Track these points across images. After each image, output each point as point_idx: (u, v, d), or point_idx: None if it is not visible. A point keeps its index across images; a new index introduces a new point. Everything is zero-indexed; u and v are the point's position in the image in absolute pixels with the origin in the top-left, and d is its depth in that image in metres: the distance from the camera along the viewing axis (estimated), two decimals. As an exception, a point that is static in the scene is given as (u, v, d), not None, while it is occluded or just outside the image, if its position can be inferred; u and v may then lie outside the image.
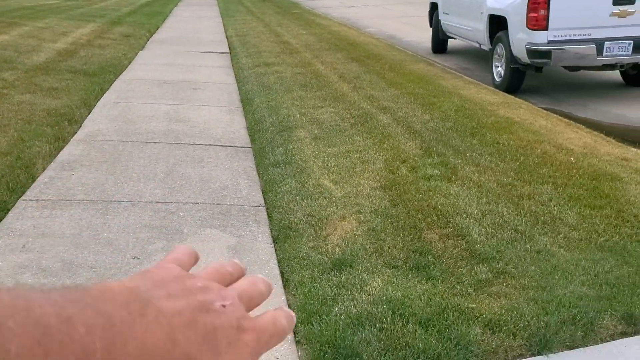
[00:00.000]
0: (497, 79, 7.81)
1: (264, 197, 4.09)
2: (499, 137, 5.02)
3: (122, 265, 3.05)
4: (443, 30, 10.37)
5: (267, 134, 5.43)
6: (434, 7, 10.89)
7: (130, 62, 9.04)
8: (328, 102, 6.38)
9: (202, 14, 18.42)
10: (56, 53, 9.02)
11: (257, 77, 7.96)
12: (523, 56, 7.04)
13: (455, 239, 3.19)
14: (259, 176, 4.51)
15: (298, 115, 5.88)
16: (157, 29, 13.85)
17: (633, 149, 4.96)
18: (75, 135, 5.23)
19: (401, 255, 3.03)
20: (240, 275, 0.48)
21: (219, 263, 0.48)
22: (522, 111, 6.05)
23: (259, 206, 3.97)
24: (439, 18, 10.41)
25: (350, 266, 2.92)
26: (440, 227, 3.32)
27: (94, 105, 6.23)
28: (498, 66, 7.83)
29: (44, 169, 4.35)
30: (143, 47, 10.86)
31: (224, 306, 0.41)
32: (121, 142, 5.17)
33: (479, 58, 10.14)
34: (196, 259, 0.49)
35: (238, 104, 6.83)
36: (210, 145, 5.26)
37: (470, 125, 5.38)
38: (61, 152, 4.75)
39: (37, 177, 4.17)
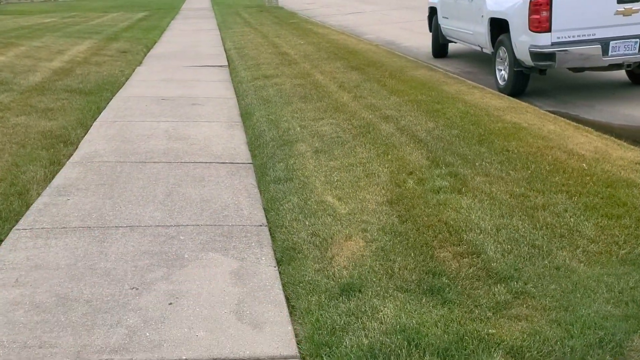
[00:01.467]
0: (500, 82, 7.65)
1: (266, 216, 3.94)
2: (507, 144, 4.86)
3: (120, 298, 2.90)
4: (443, 34, 10.24)
5: (267, 149, 5.29)
6: (432, 12, 10.75)
7: (127, 79, 8.93)
8: (328, 113, 6.24)
9: (199, 26, 18.35)
10: (52, 72, 8.91)
11: (256, 90, 7.83)
12: (526, 59, 6.89)
13: (469, 257, 3.03)
14: (260, 194, 4.36)
15: (298, 129, 5.74)
16: (155, 43, 13.77)
17: (647, 151, 4.79)
18: (71, 158, 5.09)
19: (413, 277, 2.87)
20: None
21: None
22: (529, 116, 5.89)
23: (261, 226, 3.82)
24: (439, 22, 10.28)
25: (360, 291, 2.76)
26: (453, 245, 3.16)
27: (91, 125, 6.11)
28: (501, 70, 7.68)
29: (38, 194, 4.21)
30: (140, 62, 10.75)
31: None
32: (119, 162, 5.03)
33: (481, 61, 9.99)
34: None
35: (238, 118, 6.70)
36: (210, 162, 5.12)
37: (477, 132, 5.23)
38: (56, 176, 4.61)
39: (32, 204, 4.03)
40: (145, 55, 11.72)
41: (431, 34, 10.90)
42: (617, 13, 6.42)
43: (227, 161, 5.20)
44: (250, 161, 5.19)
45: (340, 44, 12.18)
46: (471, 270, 2.91)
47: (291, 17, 20.69)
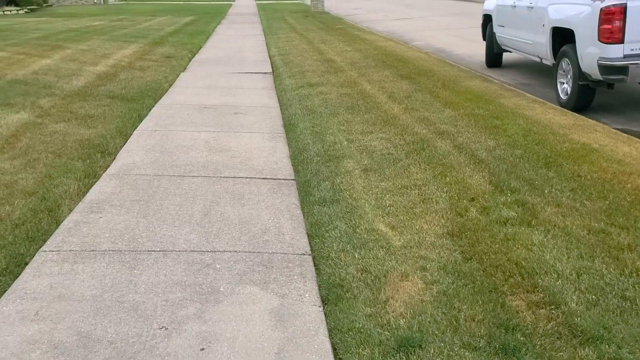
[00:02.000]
0: (562, 96, 7.12)
1: (309, 243, 3.58)
2: (578, 168, 4.38)
3: (147, 339, 2.58)
4: (498, 43, 9.71)
5: (311, 165, 4.94)
6: (487, 19, 10.24)
7: (170, 85, 8.74)
8: (378, 127, 5.85)
9: (245, 32, 18.22)
10: (96, 77, 8.80)
11: (300, 99, 7.51)
12: (594, 72, 6.36)
13: (547, 307, 2.60)
14: (303, 216, 4.01)
15: (345, 143, 5.37)
16: (200, 48, 13.64)
17: None
18: (107, 170, 4.86)
19: (482, 331, 2.46)
20: None
21: None
22: (599, 135, 5.37)
23: (304, 254, 3.46)
24: (494, 31, 9.77)
25: (420, 347, 2.37)
26: (527, 291, 2.73)
27: (130, 134, 5.88)
28: (563, 82, 7.14)
29: (70, 210, 3.97)
30: (185, 68, 10.59)
31: None
32: (157, 176, 4.77)
33: (539, 72, 9.44)
34: None
35: (281, 129, 6.38)
36: (251, 178, 4.80)
37: (542, 153, 4.76)
38: (90, 190, 4.36)
39: (62, 222, 3.78)
40: (189, 60, 11.57)
41: (485, 42, 10.39)
42: (701, 23, 5.83)
43: (268, 177, 4.87)
44: (293, 177, 4.85)
45: (388, 51, 11.77)
46: (550, 325, 2.48)
47: (337, 22, 20.37)
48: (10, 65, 9.54)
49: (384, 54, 11.18)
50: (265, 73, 10.18)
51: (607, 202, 3.71)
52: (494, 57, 10.12)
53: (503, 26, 9.37)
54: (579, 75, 6.63)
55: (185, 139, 5.84)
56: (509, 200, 3.82)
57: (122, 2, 40.00)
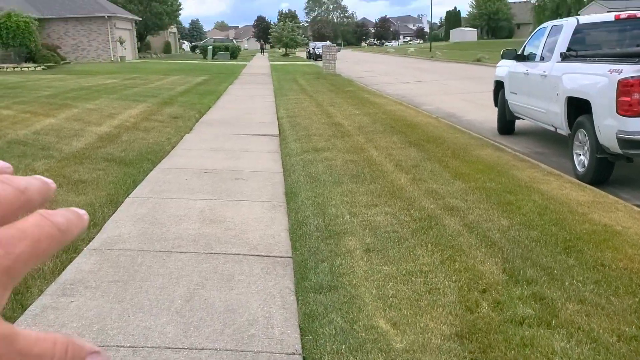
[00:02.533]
0: (579, 169, 6.77)
1: (301, 340, 3.17)
2: (601, 255, 3.97)
3: None
4: (510, 110, 9.48)
5: (310, 241, 4.58)
6: (499, 85, 10.05)
7: (173, 148, 8.53)
8: (383, 199, 5.51)
9: (255, 92, 18.28)
10: (97, 138, 8.62)
11: (304, 165, 7.23)
12: (612, 145, 6.03)
13: None
14: (297, 304, 3.61)
15: (348, 217, 5.02)
16: (209, 109, 13.58)
17: None
18: (90, 243, 4.53)
19: None
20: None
21: None
22: (621, 215, 4.98)
23: (293, 354, 3.05)
24: (506, 97, 9.55)
25: None
26: (550, 420, 2.30)
27: (122, 202, 5.58)
28: (580, 154, 6.81)
29: (40, 292, 3.61)
30: (191, 129, 10.43)
31: None
32: (141, 252, 4.42)
33: (553, 141, 9.13)
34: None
35: (282, 198, 6.06)
36: (244, 255, 4.44)
37: (561, 236, 4.37)
38: (67, 268, 4.02)
39: (29, 306, 3.42)
40: (197, 121, 11.44)
41: (497, 109, 10.17)
42: None
43: (263, 253, 4.51)
44: (290, 255, 4.48)
45: (397, 115, 11.58)
46: None
47: (348, 84, 20.44)
48: (13, 124, 9.42)
49: (392, 119, 10.98)
50: (271, 135, 9.97)
51: (637, 300, 3.29)
52: (507, 124, 9.87)
53: (515, 93, 9.15)
54: (597, 147, 6.30)
55: (179, 208, 5.52)
56: (525, 293, 3.41)
57: (139, 61, 40.91)
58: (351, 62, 43.63)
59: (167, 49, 60.98)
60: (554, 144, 8.93)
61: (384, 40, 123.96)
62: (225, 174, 6.99)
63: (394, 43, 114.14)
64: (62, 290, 3.69)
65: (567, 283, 3.54)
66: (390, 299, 3.43)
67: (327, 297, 3.55)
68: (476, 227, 4.62)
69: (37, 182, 0.36)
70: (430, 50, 52.47)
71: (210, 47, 48.27)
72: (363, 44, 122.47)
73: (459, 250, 4.13)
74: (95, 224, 4.91)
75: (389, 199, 5.52)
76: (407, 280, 3.67)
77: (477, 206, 5.18)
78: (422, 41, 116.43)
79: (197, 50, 56.65)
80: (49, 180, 0.37)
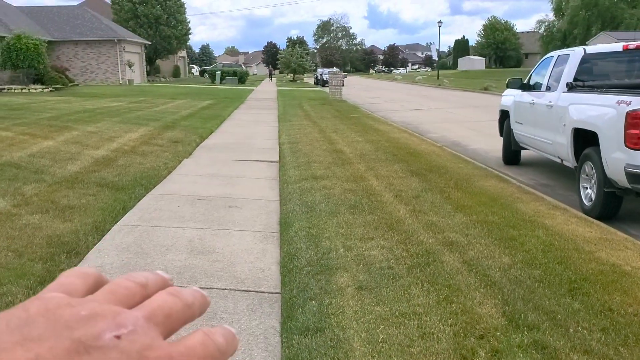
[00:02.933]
0: (586, 202, 6.52)
1: (282, 389, 2.92)
2: (609, 298, 3.71)
3: None
4: (516, 140, 9.27)
5: (300, 276, 4.34)
6: (504, 115, 9.87)
7: (169, 173, 8.36)
8: (380, 232, 5.28)
9: (260, 117, 18.19)
10: (93, 162, 8.47)
11: (301, 193, 7.01)
12: (620, 179, 5.79)
13: None
14: (281, 347, 3.37)
15: (342, 250, 4.78)
16: (211, 133, 13.46)
17: None
18: (69, 274, 4.31)
19: None
20: (162, 287, 0.38)
21: (126, 276, 0.38)
22: (630, 253, 4.72)
23: (273, 405, 2.80)
24: (511, 127, 9.35)
25: None
26: None
27: (108, 230, 5.38)
28: (587, 188, 6.57)
29: (7, 328, 3.38)
30: (190, 154, 10.28)
31: (118, 337, 0.32)
32: (121, 284, 4.19)
33: (559, 172, 8.90)
34: (97, 279, 0.38)
35: (276, 227, 5.83)
36: (230, 290, 4.20)
37: (565, 276, 4.11)
38: (40, 301, 3.80)
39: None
40: (197, 146, 11.29)
41: (502, 138, 9.96)
42: None
43: (250, 288, 4.27)
44: (279, 290, 4.24)
45: (401, 143, 11.39)
46: None
47: (353, 111, 20.35)
48: (9, 146, 9.29)
49: (395, 147, 10.79)
50: (271, 162, 9.79)
51: (649, 351, 3.02)
52: (512, 154, 9.66)
53: (521, 123, 8.95)
54: (604, 181, 6.06)
55: (167, 237, 5.31)
56: (525, 341, 3.15)
57: (147, 84, 41.19)
58: (358, 89, 43.74)
59: (176, 72, 61.51)
60: (560, 175, 8.69)
61: (392, 68, 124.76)
62: (219, 202, 6.79)
63: (402, 70, 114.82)
64: (31, 326, 3.46)
65: (571, 330, 3.28)
66: (380, 345, 3.17)
67: (313, 340, 3.30)
68: (476, 264, 4.37)
69: (199, 297, 0.39)
70: (438, 78, 52.60)
71: (218, 72, 48.57)
72: (371, 70, 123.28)
73: (457, 290, 3.87)
74: (78, 253, 4.70)
75: (387, 231, 5.28)
76: (399, 323, 3.42)
77: (478, 241, 4.93)
78: (430, 69, 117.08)
79: (206, 75, 57.06)
80: (206, 294, 0.40)
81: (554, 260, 4.41)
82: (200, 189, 7.42)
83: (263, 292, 4.24)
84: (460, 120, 17.73)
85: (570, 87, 7.31)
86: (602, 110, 6.15)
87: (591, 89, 7.15)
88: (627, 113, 5.57)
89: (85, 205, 6.04)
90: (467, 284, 4.00)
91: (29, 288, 3.91)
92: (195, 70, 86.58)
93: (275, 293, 4.22)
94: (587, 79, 7.50)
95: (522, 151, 9.60)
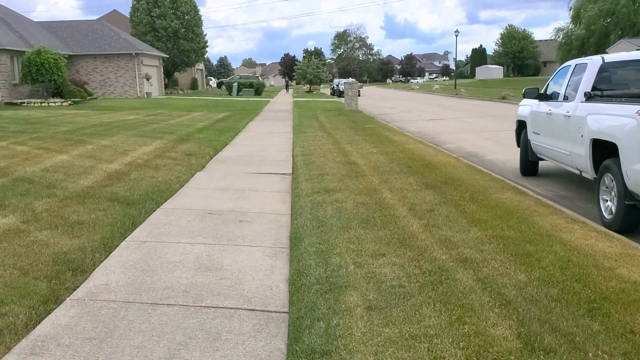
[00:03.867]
0: (606, 215, 6.31)
1: (285, 416, 2.80)
2: (631, 319, 3.53)
3: None
4: (533, 151, 9.07)
5: (309, 295, 4.22)
6: (521, 125, 9.68)
7: (181, 186, 8.31)
8: (392, 248, 5.14)
9: (274, 129, 18.17)
10: (106, 176, 8.46)
11: (313, 207, 6.90)
12: (642, 191, 5.59)
13: None
14: (287, 371, 3.25)
15: (352, 267, 4.66)
16: (225, 146, 13.45)
17: None
18: (74, 293, 4.24)
19: None
20: None
21: None
22: (653, 270, 4.51)
23: None
24: (528, 138, 9.16)
25: None
26: None
27: (116, 246, 5.32)
28: (607, 200, 6.36)
29: (7, 350, 3.31)
30: (203, 167, 10.25)
31: None
32: (126, 303, 4.11)
33: (578, 183, 8.69)
34: None
35: (286, 243, 5.73)
36: (236, 309, 4.10)
37: (584, 295, 3.93)
38: (42, 322, 3.73)
39: (-11, 368, 3.12)
40: (210, 159, 11.27)
41: (519, 149, 9.77)
42: None
43: (257, 307, 4.16)
44: (287, 309, 4.12)
45: (416, 154, 11.24)
46: None
47: (368, 121, 20.24)
48: (24, 160, 9.34)
49: (410, 158, 10.64)
50: (284, 174, 9.71)
51: (674, 378, 2.85)
52: (529, 165, 9.45)
53: (538, 134, 8.76)
54: (625, 193, 5.86)
55: (175, 254, 5.23)
56: (542, 366, 2.99)
57: (164, 97, 41.54)
58: (375, 99, 43.64)
59: (194, 85, 62.01)
60: (579, 187, 8.48)
61: (409, 77, 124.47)
62: (230, 216, 6.71)
63: (419, 80, 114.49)
64: (32, 348, 3.38)
65: (590, 354, 3.11)
66: (388, 369, 3.04)
67: (319, 364, 3.18)
68: (490, 282, 4.21)
69: None
70: (455, 88, 52.29)
71: (235, 84, 48.85)
72: (388, 80, 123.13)
73: (470, 310, 3.72)
74: (83, 271, 4.64)
75: (399, 247, 5.15)
76: (409, 346, 3.28)
77: (493, 257, 4.77)
78: (447, 78, 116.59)
79: (223, 87, 57.43)
80: None
81: (572, 278, 4.24)
82: (211, 203, 7.35)
83: (270, 311, 4.13)
84: (477, 130, 17.52)
85: (589, 97, 7.12)
86: (621, 121, 5.96)
87: (610, 98, 6.95)
88: (648, 123, 5.38)
89: (94, 221, 6.00)
90: (481, 303, 3.84)
91: (32, 308, 3.85)
92: (213, 82, 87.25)
93: (283, 312, 4.10)
94: (605, 88, 7.30)
95: (540, 162, 9.40)
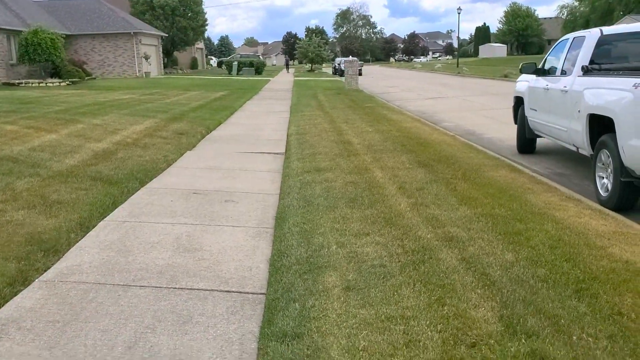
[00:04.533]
0: (602, 193, 6.13)
1: (249, 403, 2.65)
2: (619, 300, 3.36)
3: None
4: (530, 128, 8.85)
5: (287, 275, 4.06)
6: (519, 102, 9.45)
7: (169, 166, 8.14)
8: (377, 227, 4.97)
9: (272, 108, 17.93)
10: (92, 155, 8.29)
11: (302, 186, 6.73)
12: (638, 168, 5.39)
13: None
14: (257, 355, 3.10)
15: (334, 247, 4.49)
16: (219, 125, 13.25)
17: None
18: (44, 274, 4.09)
19: None
20: None
21: None
22: (647, 249, 4.34)
23: (237, 422, 2.54)
24: (525, 114, 8.93)
25: None
26: None
27: (94, 226, 5.16)
28: (603, 177, 6.17)
29: (-35, 334, 3.17)
30: (193, 146, 10.06)
31: None
32: (97, 284, 3.97)
33: (576, 160, 8.48)
34: None
35: (271, 222, 5.57)
36: (211, 290, 3.95)
37: (573, 275, 3.76)
38: (6, 305, 3.59)
39: (-57, 352, 2.98)
40: (202, 138, 11.08)
41: (516, 126, 9.55)
42: None
43: (233, 289, 4.01)
44: (264, 291, 3.97)
45: (412, 133, 11.03)
46: None
47: (368, 100, 19.96)
48: (12, 139, 9.17)
49: (406, 137, 10.43)
50: (277, 154, 9.52)
51: (660, 363, 2.69)
52: (526, 142, 9.24)
53: (535, 110, 8.53)
54: (621, 170, 5.66)
55: (153, 234, 5.07)
56: (522, 350, 2.83)
57: (163, 76, 41.19)
58: (377, 78, 43.19)
59: (194, 64, 61.50)
60: (577, 164, 8.28)
61: (412, 56, 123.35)
62: (215, 196, 6.54)
63: (422, 59, 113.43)
64: (-10, 332, 3.24)
65: (575, 337, 2.95)
66: (360, 353, 2.88)
67: (290, 348, 3.03)
68: (475, 262, 4.05)
69: None
70: (457, 66, 51.71)
71: (235, 63, 48.38)
72: (391, 59, 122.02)
73: (451, 291, 3.56)
74: (57, 252, 4.49)
75: (384, 226, 4.98)
76: (384, 329, 3.12)
77: (480, 236, 4.60)
78: (450, 57, 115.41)
79: (224, 66, 56.94)
80: None
81: (561, 257, 4.07)
82: (198, 182, 7.18)
83: (247, 292, 3.98)
84: (477, 109, 17.25)
85: (586, 71, 6.89)
86: (618, 95, 5.74)
87: (608, 72, 6.72)
88: (645, 96, 5.17)
89: (74, 201, 5.84)
90: (464, 283, 3.68)
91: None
92: (214, 61, 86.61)
93: (260, 294, 3.95)
94: (604, 62, 7.06)
95: (538, 139, 9.18)
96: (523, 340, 2.93)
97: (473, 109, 17.07)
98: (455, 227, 4.89)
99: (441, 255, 4.21)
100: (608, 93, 6.01)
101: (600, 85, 6.29)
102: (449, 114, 15.96)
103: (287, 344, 3.07)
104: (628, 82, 5.54)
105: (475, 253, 4.23)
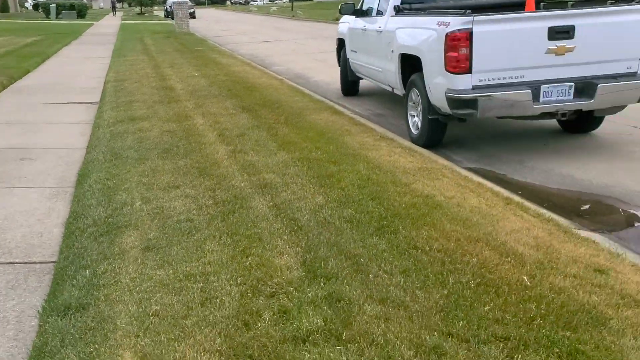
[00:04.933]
0: (413, 131, 6.38)
1: (16, 394, 2.31)
2: (416, 234, 3.47)
3: None
4: (352, 70, 8.96)
5: (81, 239, 3.66)
6: (341, 44, 9.49)
7: (-45, 122, 7.04)
8: (189, 178, 4.68)
9: (92, 54, 16.43)
10: None
11: (112, 138, 6.18)
12: (443, 105, 5.64)
13: None
14: (37, 333, 2.72)
15: (138, 204, 4.14)
16: (27, 73, 11.83)
17: (603, 243, 3.52)
18: None
19: None
20: None
21: None
22: (446, 182, 4.56)
23: (0, 416, 2.19)
24: (347, 56, 9.01)
25: None
26: None
27: None
28: (414, 115, 6.41)
29: None
30: (-9, 98, 8.83)
31: None
32: None
33: (395, 101, 8.78)
34: None
35: (72, 181, 5.02)
36: (-11, 264, 3.43)
37: (377, 212, 3.82)
38: None
39: None
40: (4, 89, 9.78)
41: (340, 69, 9.63)
42: (549, 51, 5.28)
43: (17, 260, 3.53)
44: (55, 259, 3.54)
45: (239, 77, 10.70)
46: None
47: (199, 44, 19.11)
48: None
49: (233, 81, 10.09)
50: (90, 103, 8.69)
51: (446, 293, 2.79)
52: (350, 85, 9.37)
53: (355, 51, 8.61)
54: (429, 108, 5.90)
55: None
56: (319, 294, 2.78)
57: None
58: (211, 21, 41.69)
59: (4, 7, 54.47)
60: (395, 105, 8.57)
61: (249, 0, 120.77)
62: (10, 153, 5.77)
63: (258, 2, 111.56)
64: None
65: (371, 275, 2.97)
66: (151, 319, 2.64)
67: (72, 322, 2.69)
68: (286, 208, 3.95)
69: None
70: (292, 10, 51.59)
71: (53, 5, 43.68)
72: (227, 2, 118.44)
73: (257, 240, 3.43)
74: None
75: (196, 177, 4.70)
76: (180, 289, 2.90)
77: (294, 181, 4.52)
78: (287, 0, 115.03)
79: (40, 9, 51.15)
80: None
81: (368, 196, 4.12)
82: (-10, 139, 6.28)
83: (34, 262, 3.52)
84: (308, 52, 17.28)
85: (398, 11, 7.01)
86: (425, 34, 5.89)
87: (418, 11, 6.89)
88: (446, 35, 5.34)
89: None
90: (271, 231, 3.56)
91: None
92: (29, 4, 77.45)
93: (50, 262, 3.52)
94: (415, 1, 7.22)
95: (362, 81, 9.35)
96: (322, 284, 2.89)
97: (305, 53, 17.08)
98: (271, 173, 4.76)
99: (253, 203, 4.06)
100: (416, 32, 6.16)
101: (410, 24, 6.43)
102: (281, 57, 15.81)
103: (70, 318, 2.73)
104: (433, 20, 5.69)
105: (287, 199, 4.13)
